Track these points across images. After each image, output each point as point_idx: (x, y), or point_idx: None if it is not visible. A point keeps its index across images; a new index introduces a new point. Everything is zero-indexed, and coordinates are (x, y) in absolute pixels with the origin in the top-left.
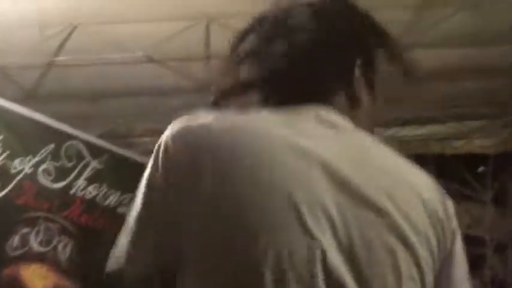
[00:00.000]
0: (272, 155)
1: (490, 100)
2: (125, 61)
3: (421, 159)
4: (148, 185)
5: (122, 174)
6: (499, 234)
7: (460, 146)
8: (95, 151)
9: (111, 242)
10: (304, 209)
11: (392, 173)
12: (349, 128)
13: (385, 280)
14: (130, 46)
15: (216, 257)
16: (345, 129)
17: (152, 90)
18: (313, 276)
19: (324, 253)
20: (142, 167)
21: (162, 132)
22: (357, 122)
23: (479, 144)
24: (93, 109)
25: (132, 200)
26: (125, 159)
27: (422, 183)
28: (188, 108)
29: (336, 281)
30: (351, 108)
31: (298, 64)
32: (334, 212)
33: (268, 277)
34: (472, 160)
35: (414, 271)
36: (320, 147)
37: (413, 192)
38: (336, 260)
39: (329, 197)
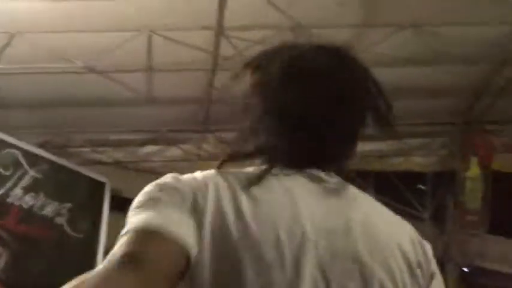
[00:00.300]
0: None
1: (429, 119)
2: (65, 71)
3: (361, 176)
4: None
5: (60, 184)
6: (436, 251)
7: (398, 164)
8: (33, 160)
9: (48, 251)
10: (290, 263)
11: (374, 224)
12: (343, 186)
13: None
14: (72, 56)
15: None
16: (338, 191)
17: (93, 100)
18: None
19: None
20: (81, 177)
21: (101, 143)
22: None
23: (418, 162)
24: (32, 118)
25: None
26: (63, 169)
27: (402, 234)
28: (128, 119)
29: None
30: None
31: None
32: (315, 264)
33: None
34: (411, 178)
35: None
36: (313, 210)
37: (392, 243)
38: None
39: (312, 251)
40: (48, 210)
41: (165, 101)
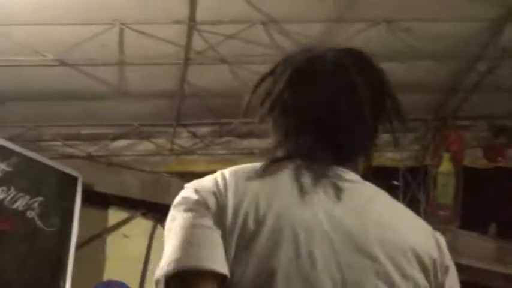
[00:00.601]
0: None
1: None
2: (36, 64)
3: None
4: None
5: (31, 177)
6: None
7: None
8: (4, 154)
9: (19, 245)
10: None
11: (388, 223)
12: (359, 184)
13: None
14: (43, 49)
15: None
16: (355, 186)
17: (64, 94)
18: None
19: None
20: (52, 171)
21: (73, 137)
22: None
23: (390, 157)
24: (2, 112)
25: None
26: (34, 163)
27: (414, 230)
28: (100, 113)
29: None
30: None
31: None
32: (331, 259)
33: None
34: (384, 173)
35: None
36: (329, 207)
37: (404, 239)
38: None
39: (327, 245)
40: (19, 203)
41: (137, 95)
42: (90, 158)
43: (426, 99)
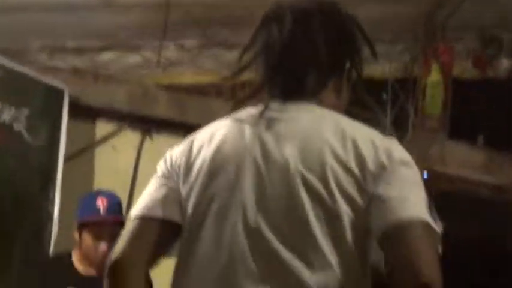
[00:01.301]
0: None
1: (391, 26)
2: None
3: None
4: None
5: (16, 90)
6: None
7: None
8: None
9: (9, 158)
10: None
11: (310, 138)
12: (306, 113)
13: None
14: None
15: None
16: (298, 116)
17: (50, 5)
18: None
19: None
20: (38, 84)
21: (60, 49)
22: (336, 109)
23: (379, 69)
24: None
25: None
26: (19, 76)
27: (335, 136)
28: (86, 25)
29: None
30: (336, 95)
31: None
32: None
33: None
34: (373, 85)
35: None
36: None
37: (321, 146)
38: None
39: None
40: (6, 116)
41: (124, 6)
42: (76, 70)
43: (416, 10)
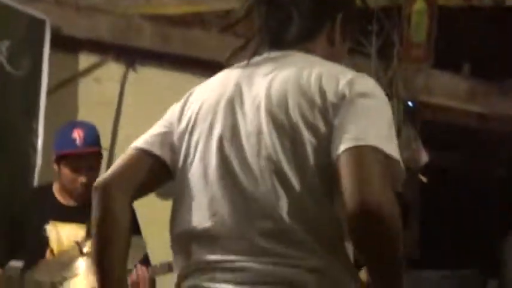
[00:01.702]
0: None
1: None
2: None
3: None
4: None
5: None
6: (382, 87)
7: None
8: None
9: None
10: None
11: (276, 79)
12: (293, 59)
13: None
14: None
15: None
16: (285, 61)
17: None
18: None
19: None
20: (19, 15)
21: None
22: (330, 59)
23: None
24: None
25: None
26: (0, 6)
27: (325, 73)
28: None
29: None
30: (329, 46)
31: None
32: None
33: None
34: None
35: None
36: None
37: (290, 83)
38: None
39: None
40: None
41: None
42: (58, 1)
43: None
